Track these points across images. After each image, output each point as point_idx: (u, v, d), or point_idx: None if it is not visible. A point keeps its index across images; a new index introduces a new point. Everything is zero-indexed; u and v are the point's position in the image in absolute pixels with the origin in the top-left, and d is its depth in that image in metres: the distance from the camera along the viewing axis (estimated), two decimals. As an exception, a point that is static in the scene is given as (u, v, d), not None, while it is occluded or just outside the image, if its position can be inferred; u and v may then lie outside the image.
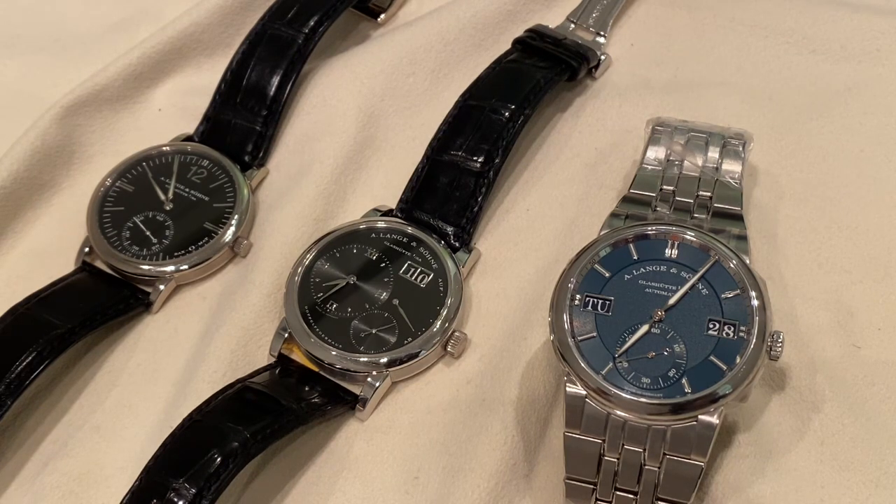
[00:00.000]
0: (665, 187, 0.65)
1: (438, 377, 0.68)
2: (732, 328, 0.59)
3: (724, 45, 0.79)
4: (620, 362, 0.59)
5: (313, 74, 0.81)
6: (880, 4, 0.79)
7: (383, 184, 0.76)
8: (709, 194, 0.65)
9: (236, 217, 0.74)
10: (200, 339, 0.70)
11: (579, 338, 0.60)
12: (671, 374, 0.58)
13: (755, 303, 0.59)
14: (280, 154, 0.79)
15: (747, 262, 0.61)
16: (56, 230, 0.77)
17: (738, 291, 0.60)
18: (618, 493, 0.60)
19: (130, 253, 0.73)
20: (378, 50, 0.81)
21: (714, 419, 0.57)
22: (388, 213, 0.73)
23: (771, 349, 0.59)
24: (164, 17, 0.84)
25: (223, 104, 0.79)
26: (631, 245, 0.62)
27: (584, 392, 0.59)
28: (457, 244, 0.71)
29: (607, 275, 0.62)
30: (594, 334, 0.60)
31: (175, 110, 0.82)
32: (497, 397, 0.65)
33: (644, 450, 0.58)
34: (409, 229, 0.71)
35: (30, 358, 0.66)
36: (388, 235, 0.71)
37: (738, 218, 0.64)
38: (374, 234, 0.71)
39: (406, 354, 0.66)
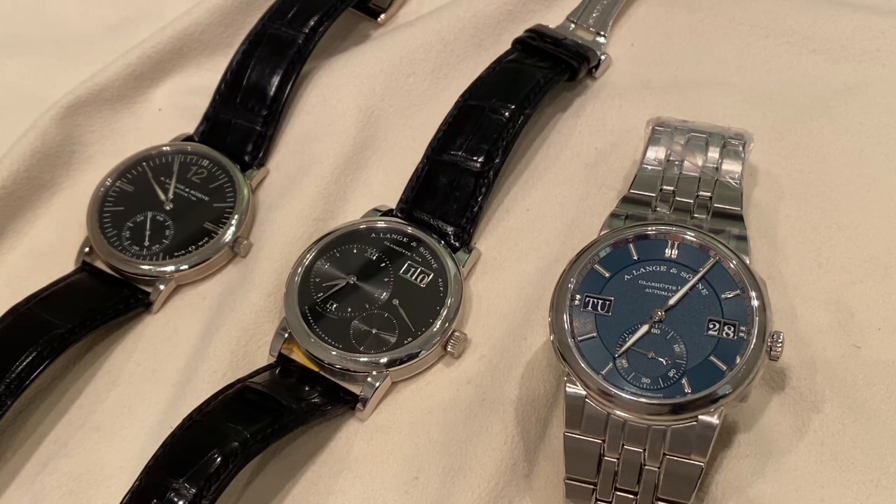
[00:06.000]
0: (665, 187, 0.65)
1: (438, 377, 0.68)
2: (732, 328, 0.59)
3: (724, 45, 0.79)
4: (620, 362, 0.59)
5: (313, 74, 0.81)
6: (880, 4, 0.79)
7: (383, 184, 0.76)
8: (709, 194, 0.65)
9: (236, 217, 0.74)
10: (200, 339, 0.70)
11: (579, 338, 0.60)
12: (671, 374, 0.58)
13: (755, 303, 0.59)
14: (280, 154, 0.79)
15: (747, 262, 0.61)
16: (56, 230, 0.77)
17: (738, 292, 0.60)
18: (618, 493, 0.60)
19: (130, 253, 0.73)
20: (378, 50, 0.81)
21: (714, 419, 0.57)
22: (388, 213, 0.73)
23: (771, 349, 0.59)
24: (164, 17, 0.84)
25: (223, 104, 0.79)
26: (631, 245, 0.62)
27: (584, 392, 0.59)
28: (457, 244, 0.71)
29: (607, 275, 0.61)
30: (594, 334, 0.60)
31: (175, 110, 0.82)
32: (497, 397, 0.65)
33: (644, 450, 0.58)
34: (409, 229, 0.71)
35: (30, 358, 0.66)
36: (388, 235, 0.71)
37: (738, 218, 0.64)
38: (374, 234, 0.71)
39: (406, 354, 0.66)
